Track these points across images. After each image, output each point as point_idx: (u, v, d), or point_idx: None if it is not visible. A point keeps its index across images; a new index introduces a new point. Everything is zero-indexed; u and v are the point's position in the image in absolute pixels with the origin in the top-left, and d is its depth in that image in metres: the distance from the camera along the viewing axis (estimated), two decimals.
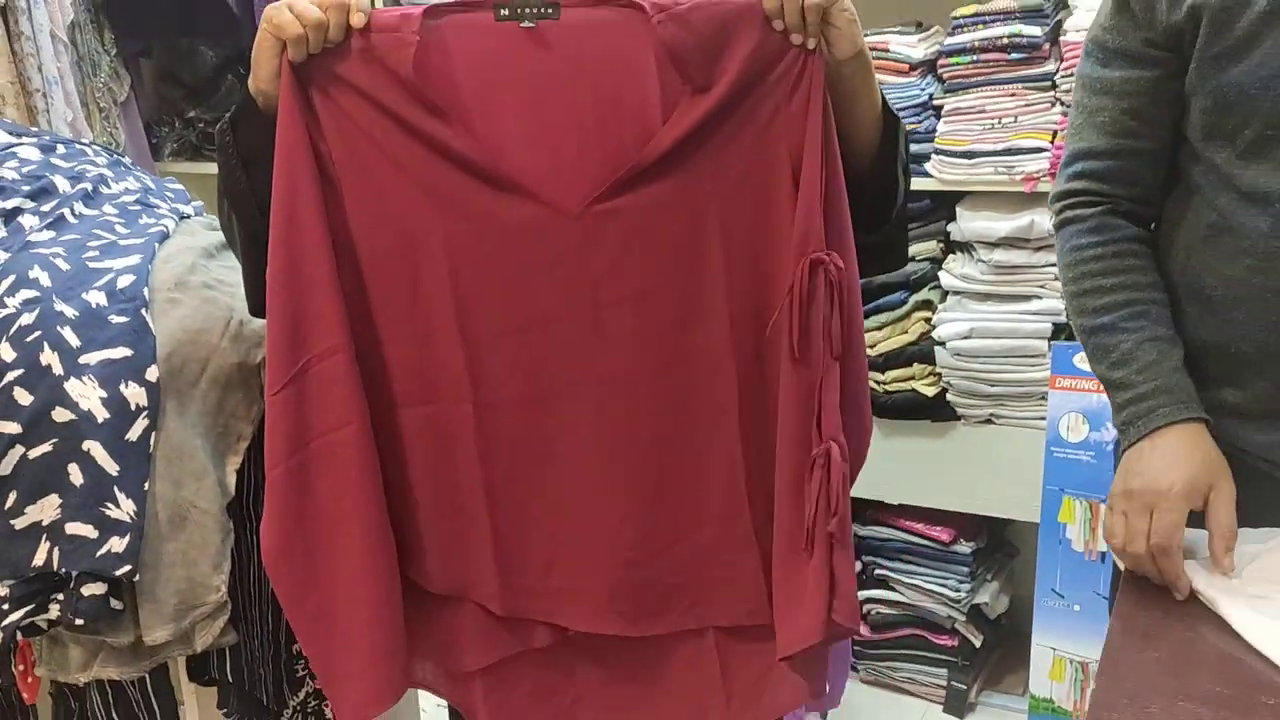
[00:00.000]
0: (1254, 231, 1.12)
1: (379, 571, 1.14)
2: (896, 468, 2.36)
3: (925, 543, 2.40)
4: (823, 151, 1.08)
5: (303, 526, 1.12)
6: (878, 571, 2.47)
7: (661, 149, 1.08)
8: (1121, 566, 1.17)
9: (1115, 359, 1.19)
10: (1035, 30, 2.03)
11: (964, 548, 2.37)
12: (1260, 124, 1.09)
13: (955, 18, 2.11)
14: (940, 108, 2.15)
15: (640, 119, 1.09)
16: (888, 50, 2.17)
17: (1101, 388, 1.26)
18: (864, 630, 2.52)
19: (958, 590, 2.37)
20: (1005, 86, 2.08)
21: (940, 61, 2.14)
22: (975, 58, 2.09)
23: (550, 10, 1.07)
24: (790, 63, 1.08)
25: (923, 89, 2.16)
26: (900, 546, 2.43)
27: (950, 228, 2.22)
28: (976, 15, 2.08)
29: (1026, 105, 2.06)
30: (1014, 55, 2.05)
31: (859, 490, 2.35)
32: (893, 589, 2.45)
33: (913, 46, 2.17)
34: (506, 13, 1.07)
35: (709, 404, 1.16)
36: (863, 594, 2.48)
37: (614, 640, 1.23)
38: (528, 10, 1.07)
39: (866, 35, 2.13)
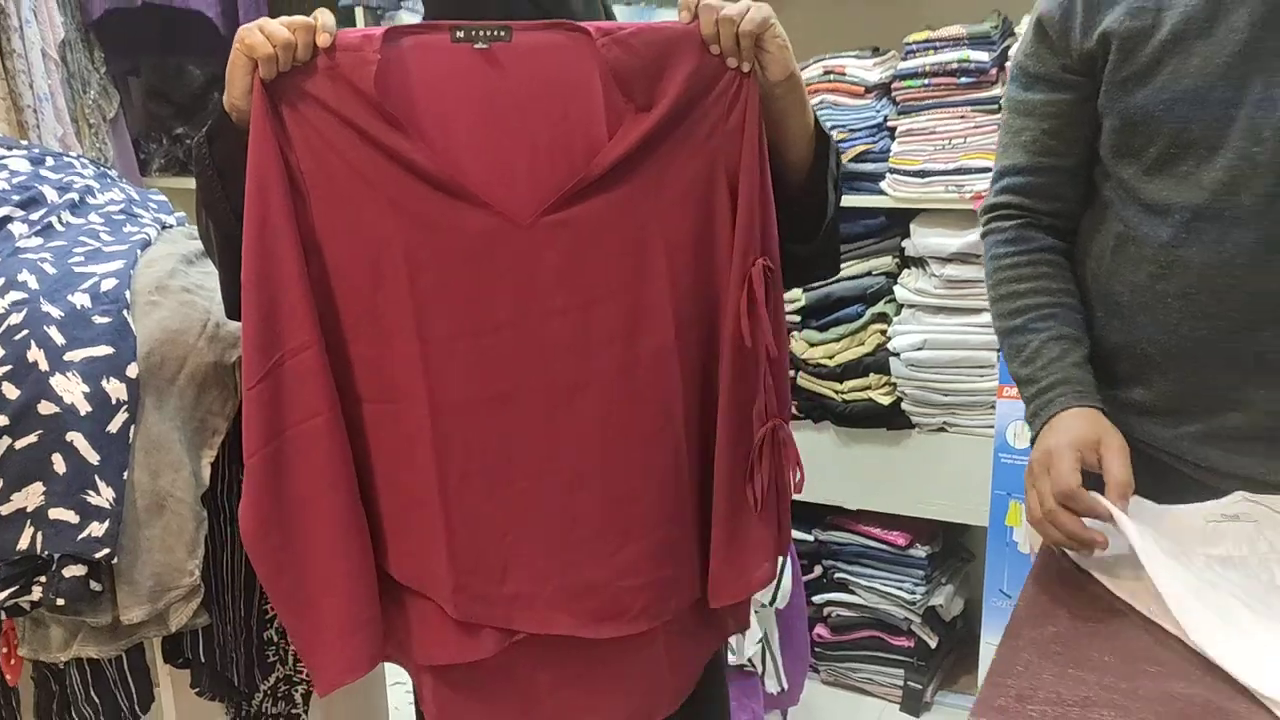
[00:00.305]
0: (1155, 241, 1.21)
1: (351, 549, 1.21)
2: (855, 474, 2.45)
3: (882, 547, 2.49)
4: (758, 167, 1.17)
5: (279, 508, 1.19)
6: (837, 575, 2.55)
7: (607, 163, 1.15)
8: (1032, 550, 1.26)
9: (1024, 357, 1.29)
10: (983, 56, 2.13)
11: (919, 552, 2.46)
12: (1163, 142, 1.18)
13: (908, 43, 2.21)
14: (894, 129, 2.25)
15: (587, 135, 1.16)
16: (844, 73, 2.27)
17: None
18: (824, 632, 2.60)
19: (913, 593, 2.46)
20: (955, 109, 2.18)
21: (894, 85, 2.24)
22: (927, 82, 2.19)
23: (503, 33, 1.14)
24: (727, 84, 1.16)
25: (878, 111, 2.26)
26: (858, 550, 2.52)
27: (905, 244, 2.32)
28: (928, 41, 2.19)
29: (975, 127, 2.16)
30: (963, 80, 2.16)
31: (820, 496, 2.46)
32: (851, 592, 2.54)
33: (868, 70, 2.27)
34: (462, 35, 1.14)
35: (655, 409, 1.22)
36: (822, 596, 2.57)
37: (564, 643, 1.26)
38: (481, 33, 1.14)
39: (825, 59, 2.27)
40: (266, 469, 1.18)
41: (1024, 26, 2.18)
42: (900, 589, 2.47)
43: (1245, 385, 1.21)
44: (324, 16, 1.12)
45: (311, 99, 1.14)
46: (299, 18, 1.11)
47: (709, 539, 1.26)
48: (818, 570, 2.58)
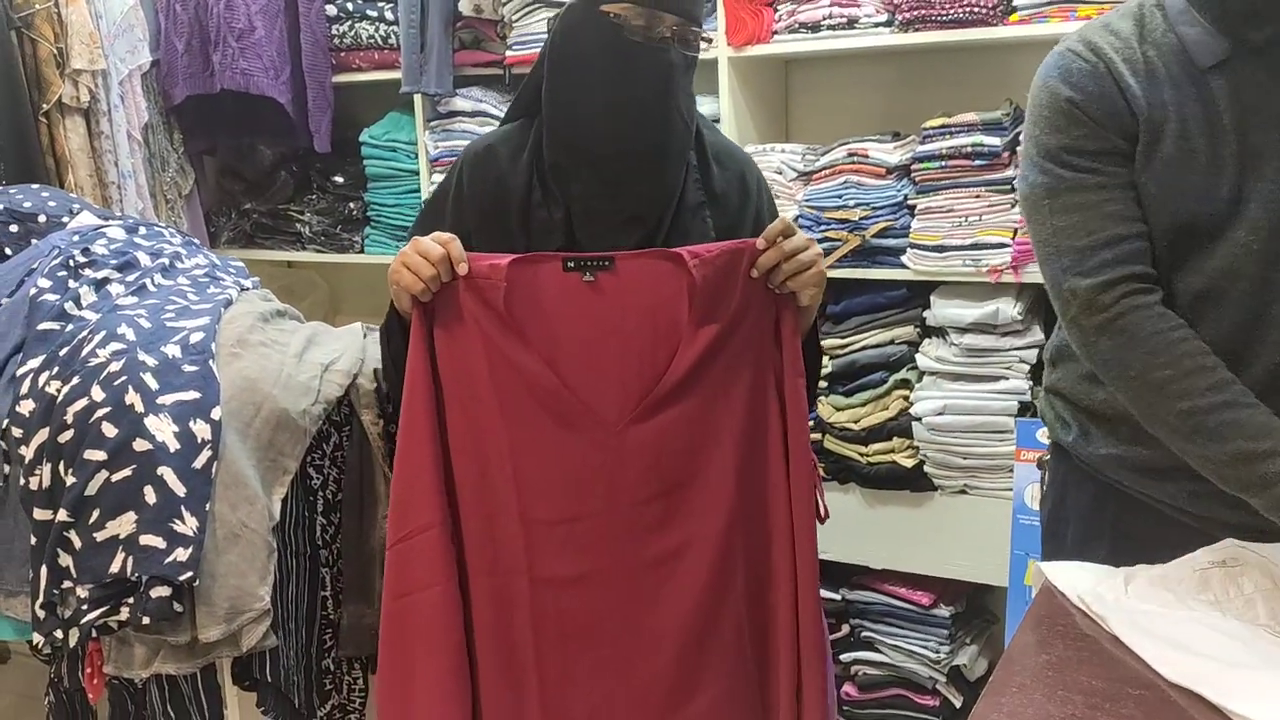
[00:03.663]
0: None
1: (450, 705, 1.36)
2: (879, 535, 2.53)
3: (907, 606, 2.56)
4: (799, 373, 1.36)
5: (400, 657, 1.37)
6: (864, 634, 2.62)
7: (679, 374, 1.33)
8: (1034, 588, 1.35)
9: (1251, 432, 1.19)
10: (995, 141, 2.27)
11: (943, 611, 2.53)
12: (1172, 235, 1.25)
13: (925, 128, 2.36)
14: (914, 207, 2.38)
15: (673, 348, 1.33)
16: (867, 156, 2.42)
17: None
18: (852, 690, 2.66)
19: (937, 652, 2.52)
20: (970, 189, 2.31)
21: (913, 166, 2.38)
22: (944, 163, 2.33)
23: (607, 263, 1.32)
24: (769, 299, 1.35)
25: (898, 190, 2.40)
26: (884, 610, 2.59)
27: (925, 314, 2.43)
28: (944, 126, 2.33)
29: (989, 206, 2.30)
30: (977, 162, 2.29)
31: (846, 555, 2.55)
32: (878, 650, 2.61)
33: (889, 153, 2.42)
34: (572, 265, 1.33)
35: (719, 579, 1.38)
36: (849, 655, 2.64)
37: None
38: (588, 263, 1.32)
39: (849, 142, 2.44)
40: (393, 620, 1.37)
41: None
42: (925, 648, 2.54)
43: None
44: (454, 247, 1.29)
45: (456, 310, 1.32)
46: (435, 249, 1.29)
47: (769, 696, 1.42)
48: (845, 629, 2.65)
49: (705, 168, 1.44)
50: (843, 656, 2.62)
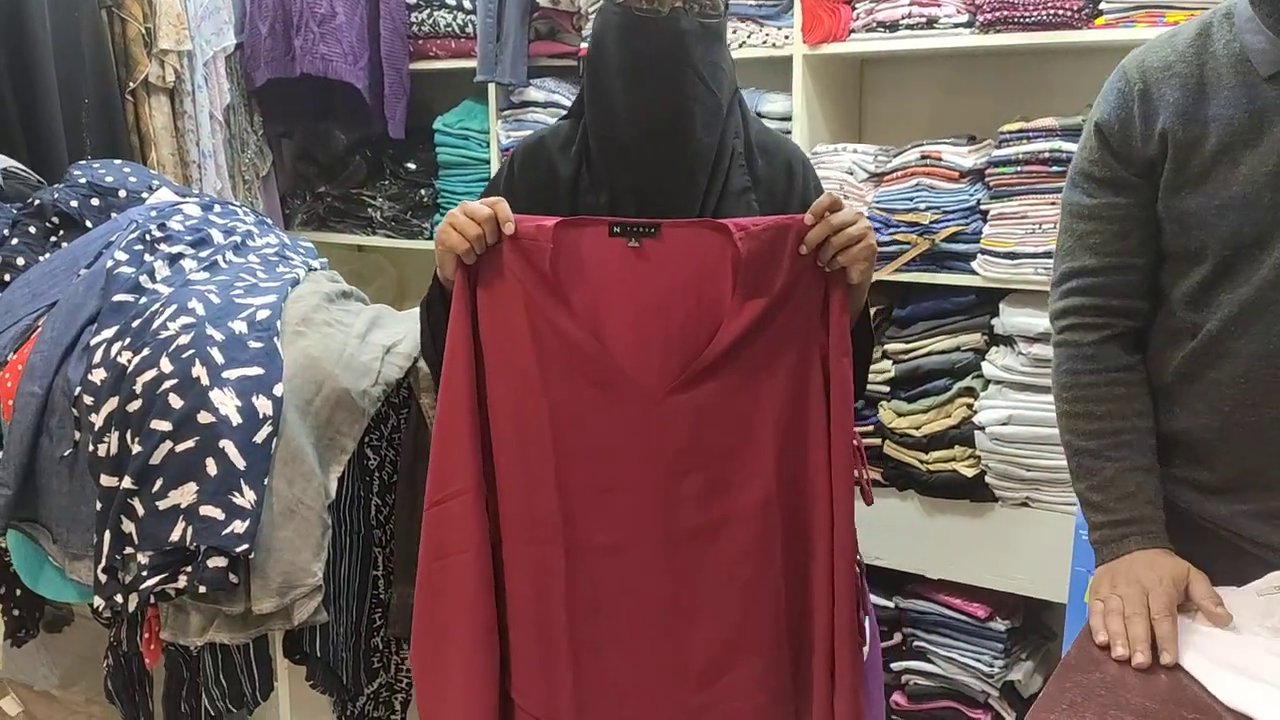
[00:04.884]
0: (1207, 333, 1.27)
1: (479, 670, 1.38)
2: (937, 543, 2.49)
3: (962, 618, 2.51)
4: (847, 351, 1.34)
5: (433, 618, 1.39)
6: (916, 644, 2.58)
7: (723, 346, 1.32)
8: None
9: (1096, 483, 1.31)
10: (1074, 147, 2.22)
11: (999, 625, 2.48)
12: (1217, 246, 1.23)
13: (1002, 132, 2.31)
14: (987, 212, 2.33)
15: (715, 319, 1.32)
16: (941, 159, 2.38)
17: None
18: (901, 700, 2.63)
19: (991, 666, 2.47)
20: (1046, 196, 2.25)
21: (988, 171, 2.33)
22: (1019, 169, 2.27)
23: (653, 230, 1.32)
24: (819, 277, 1.33)
25: (971, 194, 2.36)
26: (938, 620, 2.55)
27: (994, 322, 2.38)
28: (1021, 131, 2.28)
29: None
30: (1054, 168, 2.24)
31: (902, 563, 2.52)
32: (930, 661, 2.57)
33: (964, 156, 2.37)
34: (619, 230, 1.32)
35: (758, 555, 1.37)
36: (901, 664, 2.60)
37: None
38: (634, 229, 1.32)
39: (923, 145, 2.40)
40: (430, 582, 1.39)
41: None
42: (979, 661, 2.49)
43: None
44: (501, 208, 1.31)
45: (499, 272, 1.33)
46: (482, 209, 1.30)
47: (802, 676, 1.40)
48: (897, 637, 2.61)
49: (750, 157, 1.45)
50: (894, 665, 2.59)
